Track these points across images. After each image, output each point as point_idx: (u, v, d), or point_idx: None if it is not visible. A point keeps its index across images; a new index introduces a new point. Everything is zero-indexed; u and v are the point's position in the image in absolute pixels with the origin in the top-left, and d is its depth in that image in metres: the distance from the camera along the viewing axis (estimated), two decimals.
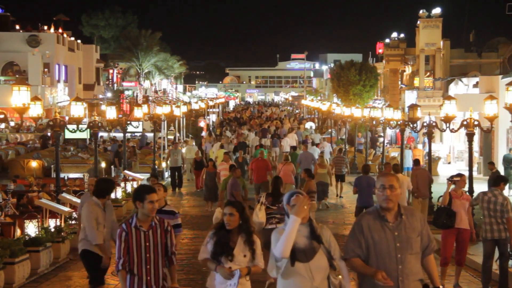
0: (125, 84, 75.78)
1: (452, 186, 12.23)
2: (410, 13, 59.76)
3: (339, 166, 25.00)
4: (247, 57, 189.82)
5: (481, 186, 18.06)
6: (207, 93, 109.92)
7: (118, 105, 45.95)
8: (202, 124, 50.33)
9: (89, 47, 63.02)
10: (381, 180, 6.02)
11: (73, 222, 15.52)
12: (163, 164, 30.42)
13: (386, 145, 34.36)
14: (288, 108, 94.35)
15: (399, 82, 50.81)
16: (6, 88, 28.52)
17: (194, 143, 32.35)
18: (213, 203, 21.13)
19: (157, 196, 7.20)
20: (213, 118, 59.45)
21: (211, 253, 6.90)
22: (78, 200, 14.59)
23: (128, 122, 25.45)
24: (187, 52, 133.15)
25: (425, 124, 20.31)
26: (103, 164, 27.77)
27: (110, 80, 70.72)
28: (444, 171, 30.16)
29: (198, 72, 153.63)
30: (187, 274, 12.65)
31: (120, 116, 25.21)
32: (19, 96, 14.58)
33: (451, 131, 18.37)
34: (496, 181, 11.89)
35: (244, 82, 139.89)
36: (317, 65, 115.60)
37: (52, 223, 14.79)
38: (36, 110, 15.80)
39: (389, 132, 37.43)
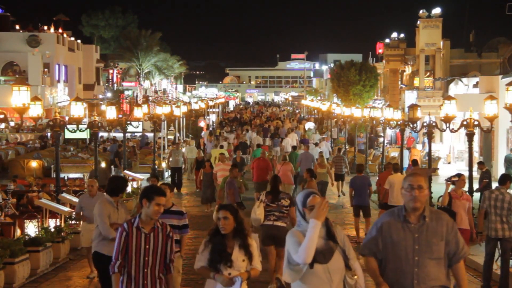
0: (125, 84, 75.79)
1: (452, 186, 12.23)
2: (410, 13, 59.89)
3: (338, 166, 25.10)
4: (247, 57, 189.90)
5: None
6: (207, 93, 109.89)
7: (118, 105, 45.94)
8: (202, 124, 50.32)
9: (89, 47, 63.03)
10: (409, 180, 5.85)
11: (73, 222, 15.52)
12: (163, 164, 30.42)
13: (386, 145, 34.35)
14: (288, 108, 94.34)
15: (399, 82, 50.82)
16: (6, 88, 28.53)
17: (194, 143, 32.37)
18: (210, 204, 21.13)
19: (164, 201, 6.95)
20: (213, 118, 59.44)
21: (208, 261, 6.61)
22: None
23: (128, 122, 25.43)
24: (187, 52, 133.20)
25: (425, 124, 20.29)
26: (103, 164, 27.75)
27: (110, 80, 70.73)
28: (444, 171, 30.15)
29: (198, 72, 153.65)
30: (187, 274, 12.63)
31: (120, 116, 25.19)
32: (19, 96, 14.59)
33: (451, 131, 18.36)
34: (503, 179, 11.88)
35: (244, 82, 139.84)
36: (317, 65, 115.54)
37: (52, 223, 14.80)
38: (36, 110, 15.79)
39: (389, 132, 37.42)
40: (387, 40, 49.67)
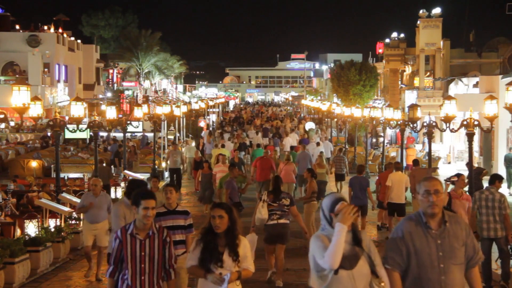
0: (125, 84, 75.82)
1: (452, 186, 12.24)
2: (410, 13, 59.92)
3: (338, 166, 25.27)
4: (247, 57, 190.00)
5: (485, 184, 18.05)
6: (207, 93, 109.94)
7: (118, 105, 45.98)
8: (202, 124, 50.32)
9: (89, 47, 63.07)
10: (424, 185, 5.64)
11: (73, 222, 15.52)
12: (163, 164, 30.42)
13: (386, 145, 34.36)
14: (288, 108, 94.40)
15: (399, 82, 50.83)
16: (6, 88, 28.54)
17: (194, 143, 32.38)
18: (208, 205, 21.03)
19: (153, 203, 6.70)
20: (213, 118, 59.45)
21: (199, 260, 6.52)
22: (78, 200, 14.58)
23: (128, 122, 25.44)
24: (187, 52, 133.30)
25: (425, 124, 20.26)
26: (104, 164, 27.75)
27: (110, 80, 70.76)
28: (444, 171, 30.16)
29: (198, 72, 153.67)
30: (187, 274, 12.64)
31: (120, 116, 25.20)
32: (19, 96, 14.59)
33: (451, 131, 18.34)
34: (492, 180, 11.92)
35: (244, 82, 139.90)
36: (317, 65, 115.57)
37: (52, 223, 14.80)
38: (36, 110, 15.80)
39: (389, 132, 37.43)
40: (387, 40, 49.68)
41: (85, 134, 30.79)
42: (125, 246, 6.61)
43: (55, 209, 15.01)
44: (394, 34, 48.46)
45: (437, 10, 40.13)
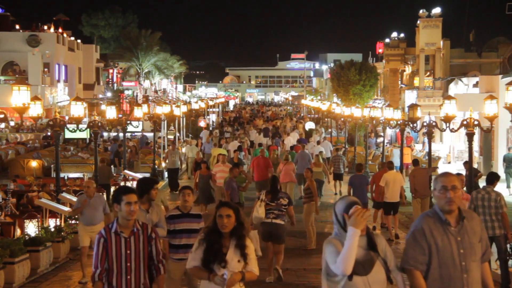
0: (125, 84, 75.83)
1: None
2: (410, 13, 59.87)
3: (337, 165, 25.51)
4: (247, 57, 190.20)
5: (480, 185, 18.08)
6: (207, 93, 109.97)
7: (118, 105, 45.95)
8: (202, 124, 50.33)
9: (89, 47, 63.07)
10: (441, 180, 5.47)
11: (73, 222, 15.51)
12: (163, 164, 30.41)
13: (386, 145, 34.37)
14: (288, 108, 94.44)
15: (399, 82, 50.82)
16: (6, 88, 28.54)
17: (195, 143, 32.37)
18: (206, 206, 20.92)
19: (135, 198, 6.45)
20: (213, 118, 59.46)
21: (202, 260, 6.26)
22: None
23: (128, 122, 25.44)
24: (187, 52, 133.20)
25: (425, 124, 20.31)
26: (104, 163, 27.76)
27: (110, 80, 70.76)
28: (444, 171, 30.13)
29: (198, 72, 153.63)
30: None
31: (120, 116, 25.21)
32: (19, 96, 14.60)
33: (451, 131, 18.37)
34: (491, 179, 11.91)
35: (244, 82, 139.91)
36: (317, 65, 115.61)
37: (52, 223, 14.80)
38: (36, 110, 15.81)
39: (389, 132, 37.43)
40: (387, 40, 49.67)
41: (85, 134, 30.79)
42: (110, 245, 6.37)
43: (55, 209, 15.01)
44: (394, 34, 48.45)
45: (437, 10, 40.13)
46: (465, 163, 20.89)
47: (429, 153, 20.78)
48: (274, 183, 12.67)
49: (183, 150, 31.47)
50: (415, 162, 19.24)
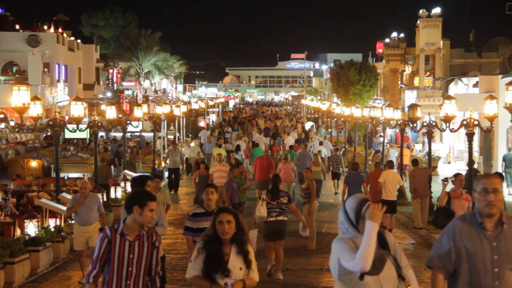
0: (125, 84, 75.82)
1: (451, 186, 12.25)
2: (410, 13, 59.82)
3: (336, 165, 25.72)
4: (247, 57, 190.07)
5: None
6: (207, 93, 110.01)
7: (118, 105, 45.97)
8: (202, 124, 50.35)
9: (89, 47, 63.04)
10: (482, 182, 5.18)
11: (73, 222, 15.49)
12: (163, 164, 30.42)
13: (386, 145, 34.38)
14: (288, 108, 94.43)
15: (399, 82, 50.82)
16: (6, 88, 28.54)
17: (193, 143, 32.38)
18: None
19: (156, 205, 6.32)
20: (213, 118, 59.48)
21: (202, 270, 5.99)
22: None
23: (128, 122, 25.45)
24: (187, 52, 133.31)
25: (425, 124, 20.31)
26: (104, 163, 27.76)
27: (110, 80, 70.75)
28: (444, 171, 30.17)
29: (198, 72, 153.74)
30: None
31: (120, 116, 25.21)
32: (19, 96, 14.60)
33: (451, 130, 18.38)
34: None
35: (244, 82, 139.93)
36: (317, 65, 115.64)
37: (52, 223, 14.79)
38: (36, 110, 15.81)
39: (389, 131, 37.44)
40: (387, 40, 49.67)
41: (85, 134, 30.80)
42: (113, 247, 6.11)
43: (55, 209, 15.00)
44: (394, 34, 48.45)
45: (437, 10, 40.13)
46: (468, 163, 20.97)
47: (429, 153, 20.79)
48: (275, 182, 12.78)
49: (182, 150, 31.46)
50: (415, 162, 19.27)
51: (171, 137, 38.20)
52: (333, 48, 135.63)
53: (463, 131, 18.99)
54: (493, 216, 5.16)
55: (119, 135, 33.15)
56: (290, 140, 35.58)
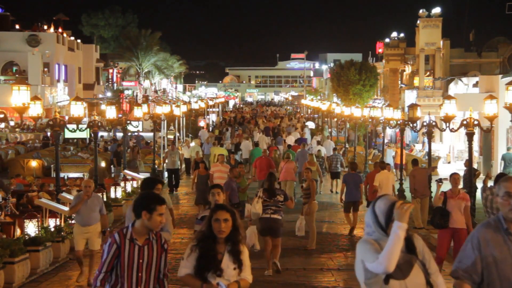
0: (125, 83, 75.83)
1: (449, 186, 12.27)
2: (410, 13, 59.80)
3: (334, 164, 25.79)
4: (247, 57, 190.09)
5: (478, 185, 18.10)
6: (207, 92, 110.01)
7: (118, 104, 45.99)
8: (202, 123, 50.34)
9: (89, 46, 63.05)
10: (505, 186, 4.98)
11: (73, 221, 15.49)
12: (163, 164, 30.40)
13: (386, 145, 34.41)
14: (288, 107, 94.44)
15: (399, 82, 50.84)
16: (6, 88, 28.55)
17: (193, 143, 32.38)
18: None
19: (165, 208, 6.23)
20: (213, 118, 59.48)
21: (195, 268, 5.88)
22: None
23: (128, 122, 25.45)
24: (187, 52, 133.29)
25: (425, 123, 20.31)
26: (103, 164, 27.77)
27: (110, 80, 70.77)
28: (444, 171, 30.17)
29: (198, 72, 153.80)
30: None
31: (120, 115, 25.22)
32: (19, 96, 14.60)
33: (451, 130, 18.37)
34: (499, 180, 11.88)
35: (244, 82, 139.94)
36: (317, 65, 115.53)
37: (52, 223, 14.78)
38: (36, 109, 15.81)
39: (389, 131, 37.45)
40: (387, 40, 49.69)
41: (85, 134, 30.79)
42: (123, 253, 5.98)
43: (55, 209, 15.00)
44: (394, 34, 48.47)
45: (437, 10, 40.15)
46: (466, 162, 20.99)
47: (429, 153, 20.79)
48: (271, 181, 13.01)
49: (182, 150, 31.43)
50: (415, 162, 19.26)
51: (171, 137, 38.19)
52: (333, 48, 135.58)
53: (463, 131, 19.00)
54: None
55: (119, 135, 33.14)
56: (291, 139, 35.69)
